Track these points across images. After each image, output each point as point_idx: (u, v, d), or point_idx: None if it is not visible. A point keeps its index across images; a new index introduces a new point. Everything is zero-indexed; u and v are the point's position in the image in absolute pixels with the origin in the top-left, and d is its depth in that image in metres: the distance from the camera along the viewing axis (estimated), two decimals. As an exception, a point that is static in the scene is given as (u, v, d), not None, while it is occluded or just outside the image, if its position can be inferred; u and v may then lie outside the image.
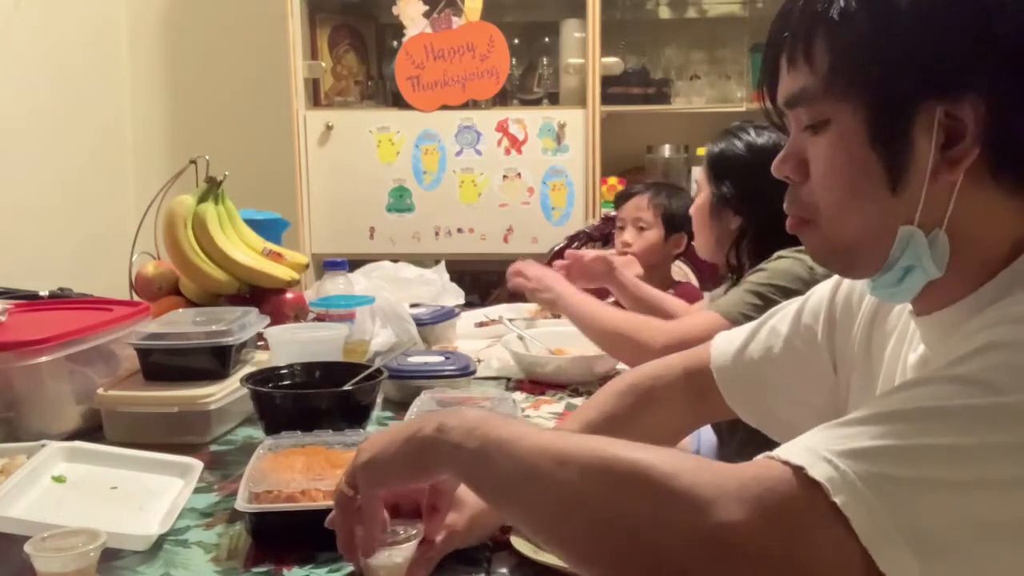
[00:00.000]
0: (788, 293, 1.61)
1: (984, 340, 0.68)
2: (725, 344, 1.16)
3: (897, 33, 0.75)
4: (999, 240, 0.78)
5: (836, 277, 1.05)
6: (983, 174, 0.76)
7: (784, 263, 1.68)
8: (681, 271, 2.65)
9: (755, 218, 1.77)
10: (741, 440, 1.72)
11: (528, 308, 2.47)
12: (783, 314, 1.13)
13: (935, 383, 0.68)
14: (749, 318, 1.59)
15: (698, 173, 1.89)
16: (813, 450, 0.66)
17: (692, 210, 1.88)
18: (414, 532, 0.96)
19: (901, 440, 0.64)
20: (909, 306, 0.87)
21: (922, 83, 0.75)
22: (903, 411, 0.66)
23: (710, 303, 2.07)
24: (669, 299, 2.08)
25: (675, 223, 2.48)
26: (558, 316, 2.36)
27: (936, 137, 0.75)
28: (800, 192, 0.84)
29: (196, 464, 1.27)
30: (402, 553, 0.95)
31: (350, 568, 1.03)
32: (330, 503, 1.06)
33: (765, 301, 1.61)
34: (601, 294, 2.14)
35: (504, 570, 1.05)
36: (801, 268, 1.65)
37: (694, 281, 2.53)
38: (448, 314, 2.18)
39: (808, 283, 1.61)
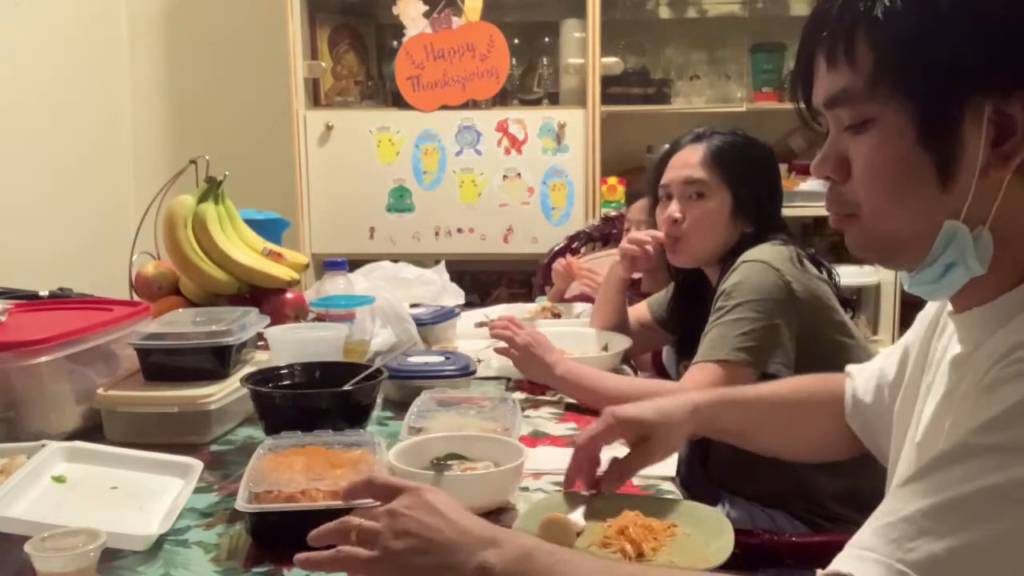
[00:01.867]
0: (763, 304, 1.59)
1: (1017, 396, 0.67)
2: (852, 383, 1.17)
3: (943, 31, 0.74)
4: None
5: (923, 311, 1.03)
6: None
7: (753, 276, 1.62)
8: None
9: (767, 222, 1.75)
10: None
11: (528, 308, 2.47)
12: (889, 352, 1.13)
13: (982, 457, 0.67)
14: (741, 350, 1.57)
15: (687, 174, 1.78)
16: (881, 561, 0.66)
17: (699, 215, 1.77)
18: None
19: (967, 538, 0.65)
20: (950, 305, 0.87)
21: (969, 80, 0.74)
22: (961, 499, 0.66)
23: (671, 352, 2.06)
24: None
25: None
26: (558, 316, 2.37)
27: (987, 133, 0.75)
28: (842, 191, 0.84)
29: (196, 464, 1.27)
30: None
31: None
32: (330, 503, 1.07)
33: (746, 324, 1.58)
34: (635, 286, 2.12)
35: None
36: (773, 275, 1.60)
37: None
38: (448, 314, 2.18)
39: (783, 287, 1.60)
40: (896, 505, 0.70)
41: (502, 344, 1.74)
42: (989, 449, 0.67)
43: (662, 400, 1.21)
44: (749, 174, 1.78)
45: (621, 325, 2.03)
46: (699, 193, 1.77)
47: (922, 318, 1.03)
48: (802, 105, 0.87)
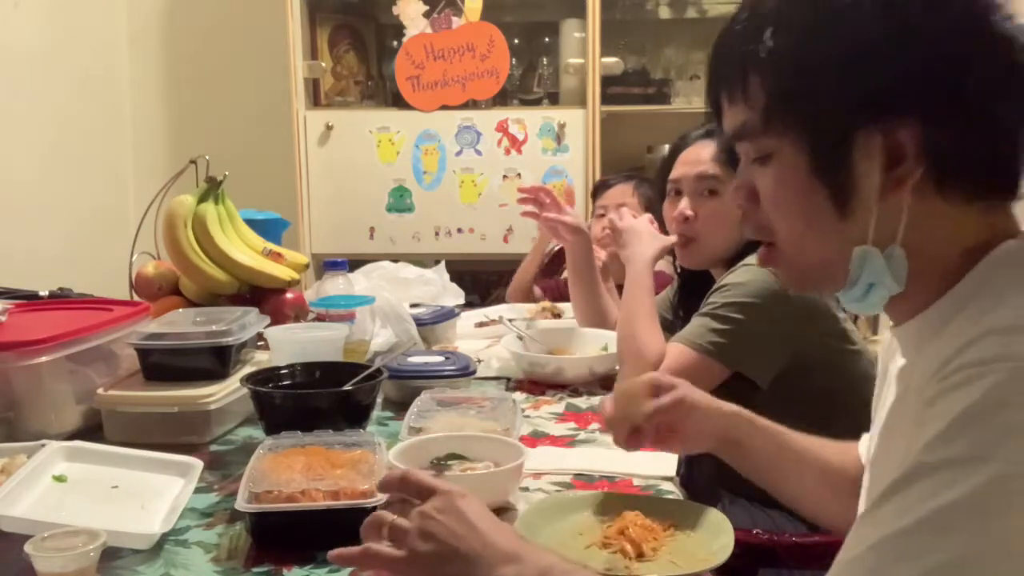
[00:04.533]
0: (753, 309, 1.59)
1: (957, 408, 0.68)
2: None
3: (824, 69, 0.77)
4: (954, 249, 0.80)
5: None
6: (929, 190, 0.78)
7: (752, 279, 1.62)
8: (663, 260, 2.65)
9: None
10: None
11: (528, 308, 2.47)
12: None
13: (935, 475, 0.67)
14: (716, 344, 1.59)
15: (700, 170, 1.77)
16: None
17: (712, 213, 1.74)
18: None
19: (937, 558, 0.65)
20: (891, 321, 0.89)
21: (854, 113, 0.77)
22: (924, 521, 0.66)
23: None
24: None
25: (656, 213, 2.47)
26: (558, 316, 2.37)
27: (879, 160, 0.77)
28: (757, 218, 0.86)
29: (196, 463, 1.27)
30: None
31: (350, 568, 1.04)
32: (330, 503, 1.07)
33: (729, 323, 1.59)
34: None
35: None
36: (771, 279, 1.57)
37: (667, 269, 2.50)
38: (448, 314, 2.17)
39: (780, 296, 1.57)
40: (861, 535, 0.70)
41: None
42: (940, 466, 0.67)
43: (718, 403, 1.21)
44: None
45: (599, 316, 2.02)
46: (712, 190, 1.75)
47: (884, 341, 1.04)
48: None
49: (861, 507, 0.94)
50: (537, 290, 2.96)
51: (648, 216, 1.93)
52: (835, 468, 1.14)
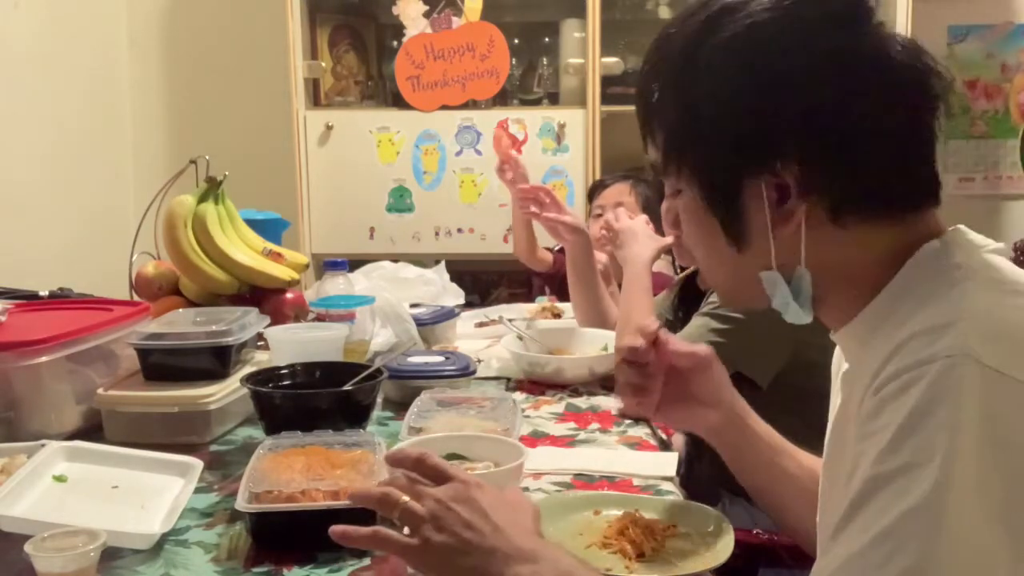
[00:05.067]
0: (755, 310, 1.60)
1: (899, 418, 0.70)
2: None
3: (699, 120, 0.82)
4: (868, 261, 0.82)
5: None
6: (822, 219, 0.81)
7: None
8: (663, 261, 2.65)
9: None
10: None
11: (528, 308, 2.48)
12: None
13: (890, 484, 0.69)
14: (715, 344, 1.58)
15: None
16: None
17: None
18: None
19: (902, 564, 0.66)
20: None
21: (734, 158, 0.81)
22: (886, 531, 0.68)
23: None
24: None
25: (653, 213, 2.47)
26: (558, 316, 2.37)
27: (769, 197, 0.81)
28: (684, 243, 0.92)
29: (196, 463, 1.27)
30: None
31: (350, 568, 1.04)
32: (330, 503, 1.07)
33: (729, 323, 1.60)
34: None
35: None
36: None
37: (668, 271, 2.50)
38: (448, 314, 2.18)
39: None
40: (831, 556, 0.71)
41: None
42: (891, 477, 0.69)
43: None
44: None
45: (600, 317, 2.02)
46: None
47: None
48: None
49: (818, 513, 0.96)
50: (549, 254, 2.96)
51: (644, 217, 1.94)
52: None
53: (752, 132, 0.80)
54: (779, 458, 1.17)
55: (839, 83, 0.78)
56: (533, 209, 2.03)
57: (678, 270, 1.96)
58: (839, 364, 0.97)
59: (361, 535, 0.87)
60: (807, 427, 1.63)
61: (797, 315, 0.86)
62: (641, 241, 1.83)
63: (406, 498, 0.87)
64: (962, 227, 0.83)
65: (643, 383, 1.15)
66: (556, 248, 2.96)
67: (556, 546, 0.88)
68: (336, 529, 0.88)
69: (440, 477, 0.90)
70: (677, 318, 1.94)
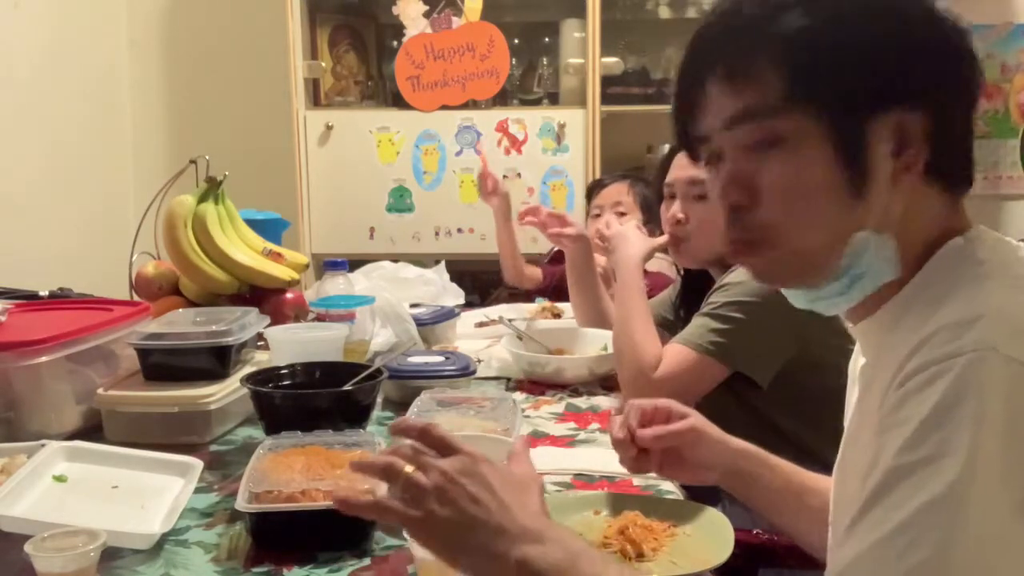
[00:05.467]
0: (754, 308, 1.59)
1: (924, 410, 0.70)
2: None
3: (851, 52, 0.78)
4: (923, 239, 0.82)
5: None
6: (921, 178, 0.81)
7: (750, 276, 1.63)
8: (664, 262, 2.66)
9: None
10: None
11: (528, 308, 2.47)
12: None
13: (911, 475, 0.69)
14: (716, 344, 1.59)
15: (691, 173, 1.75)
16: None
17: (702, 217, 1.74)
18: None
19: (921, 555, 0.66)
20: (848, 321, 0.90)
21: (876, 97, 0.79)
22: (907, 522, 0.68)
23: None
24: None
25: (651, 212, 2.47)
26: (558, 316, 2.37)
27: (890, 145, 0.79)
28: (749, 216, 0.84)
29: (196, 463, 1.27)
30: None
31: (350, 568, 1.04)
32: (330, 503, 1.07)
33: (729, 323, 1.59)
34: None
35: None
36: None
37: (669, 271, 2.50)
38: (448, 314, 2.18)
39: (781, 293, 1.59)
40: (850, 544, 0.71)
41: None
42: (915, 466, 0.69)
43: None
44: None
45: (600, 318, 2.03)
46: (701, 195, 1.75)
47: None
48: (684, 131, 0.88)
49: (831, 512, 0.95)
50: (538, 270, 2.96)
51: (635, 221, 1.94)
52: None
53: (901, 69, 0.78)
54: (798, 498, 1.16)
55: (963, 44, 0.80)
56: (531, 219, 2.06)
57: (680, 271, 1.96)
58: (856, 361, 0.96)
59: (362, 503, 0.85)
60: (809, 427, 1.64)
61: (855, 295, 0.83)
62: (632, 242, 1.83)
63: (410, 468, 0.83)
64: (983, 226, 0.84)
65: (637, 460, 1.17)
66: (545, 259, 2.97)
67: (563, 527, 0.86)
68: (338, 495, 0.85)
69: (446, 449, 0.85)
70: (678, 317, 1.94)
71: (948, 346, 0.71)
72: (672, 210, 1.78)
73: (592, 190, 2.86)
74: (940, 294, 0.77)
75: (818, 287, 0.85)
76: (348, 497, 0.85)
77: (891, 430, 0.72)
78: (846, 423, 0.96)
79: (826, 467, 1.59)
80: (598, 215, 2.64)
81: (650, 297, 2.14)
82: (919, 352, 0.73)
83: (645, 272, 2.54)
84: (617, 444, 1.18)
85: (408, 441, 0.88)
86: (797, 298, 0.89)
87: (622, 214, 2.60)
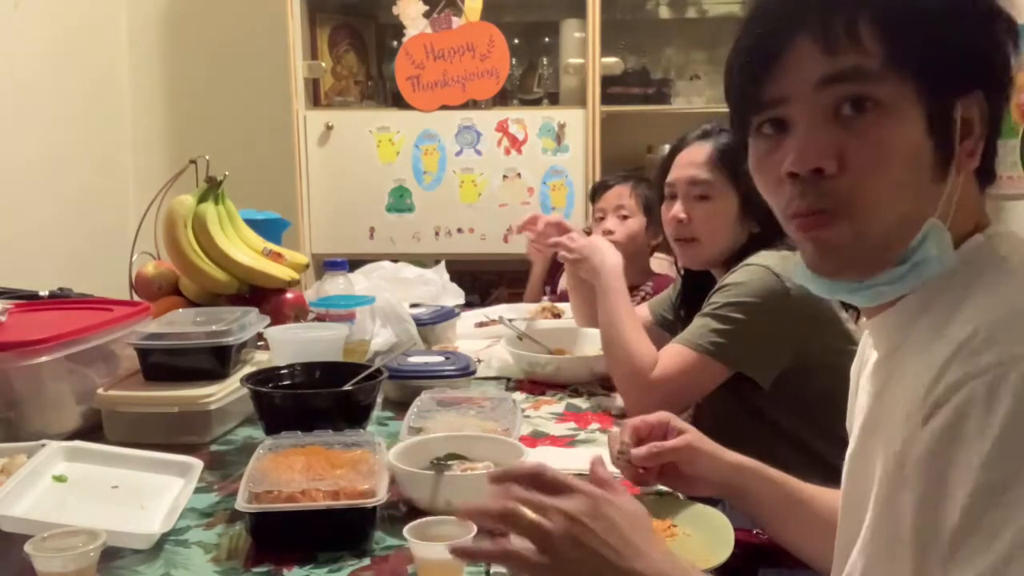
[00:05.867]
0: (754, 309, 1.58)
1: (993, 430, 0.67)
2: None
3: (952, 24, 0.76)
4: (956, 234, 0.80)
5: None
6: (972, 168, 0.80)
7: (753, 279, 1.61)
8: (665, 262, 2.66)
9: (775, 223, 1.73)
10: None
11: (528, 308, 2.47)
12: None
13: (1004, 496, 0.66)
14: (716, 344, 1.59)
15: (692, 174, 1.76)
16: None
17: (705, 217, 1.74)
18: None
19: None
20: (864, 317, 0.89)
21: (967, 75, 0.77)
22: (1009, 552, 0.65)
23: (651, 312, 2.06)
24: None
25: (653, 214, 2.47)
26: (558, 316, 2.37)
27: (958, 130, 0.78)
28: (831, 184, 0.79)
29: (196, 463, 1.27)
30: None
31: (350, 568, 1.04)
32: (330, 503, 1.07)
33: (730, 323, 1.59)
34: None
35: (504, 569, 1.05)
36: (772, 279, 1.59)
37: (671, 272, 2.50)
38: (448, 314, 2.18)
39: (782, 295, 1.58)
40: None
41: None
42: (1008, 482, 0.66)
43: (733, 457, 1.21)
44: None
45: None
46: (703, 195, 1.74)
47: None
48: (757, 92, 0.82)
49: (840, 501, 0.93)
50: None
51: (596, 235, 1.95)
52: None
53: (993, 50, 0.78)
54: (795, 511, 1.16)
55: (1015, 29, 0.80)
56: (530, 232, 2.07)
57: (680, 271, 1.95)
58: (860, 363, 0.95)
59: (489, 553, 0.83)
60: (811, 429, 1.64)
61: (907, 284, 0.80)
62: (606, 251, 1.83)
63: (532, 514, 0.80)
64: (999, 225, 0.83)
65: (637, 475, 1.21)
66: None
67: (688, 563, 0.85)
68: (456, 546, 0.84)
69: (564, 489, 0.83)
70: (679, 318, 1.94)
71: (1000, 353, 0.69)
72: (674, 210, 1.77)
73: (595, 192, 2.86)
74: (961, 291, 0.76)
75: (872, 274, 0.81)
76: (468, 548, 0.84)
77: (956, 443, 0.69)
78: (850, 425, 0.94)
79: (829, 468, 1.59)
80: (601, 218, 2.64)
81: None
82: (961, 357, 0.70)
83: (649, 273, 2.55)
84: (615, 463, 1.21)
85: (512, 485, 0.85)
86: (836, 290, 0.84)
87: (625, 217, 2.60)
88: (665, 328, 2.01)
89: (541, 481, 0.84)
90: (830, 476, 1.30)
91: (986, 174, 0.82)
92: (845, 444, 1.33)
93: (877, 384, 0.86)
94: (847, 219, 0.79)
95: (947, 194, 0.78)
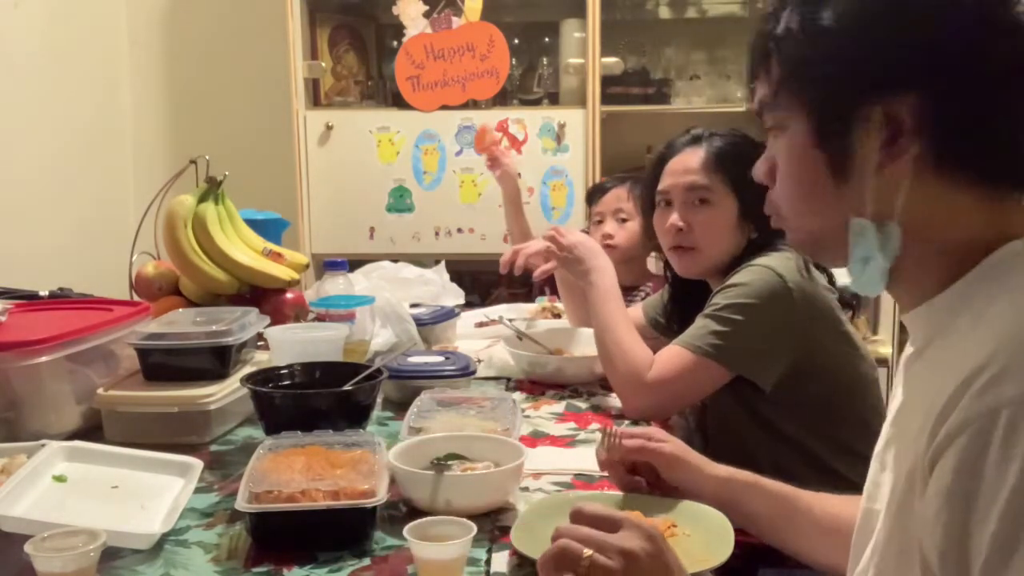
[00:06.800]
0: (754, 310, 1.57)
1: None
2: None
3: (828, 47, 0.81)
4: (958, 236, 0.81)
5: None
6: (927, 169, 0.80)
7: (756, 280, 1.60)
8: (661, 263, 2.65)
9: (770, 229, 1.73)
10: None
11: (528, 308, 2.47)
12: None
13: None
14: (715, 346, 1.58)
15: (690, 179, 1.74)
16: None
17: (706, 223, 1.72)
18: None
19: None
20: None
21: (856, 88, 0.80)
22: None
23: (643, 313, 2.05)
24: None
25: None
26: (558, 316, 2.37)
27: (879, 134, 0.80)
28: (770, 194, 0.92)
29: (196, 463, 1.27)
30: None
31: (350, 568, 1.04)
32: (330, 503, 1.07)
33: (730, 325, 1.58)
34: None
35: (504, 570, 1.05)
36: (775, 279, 1.58)
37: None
38: (448, 314, 2.18)
39: (784, 295, 1.58)
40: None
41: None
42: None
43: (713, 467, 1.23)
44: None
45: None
46: (703, 199, 1.72)
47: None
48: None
49: (864, 501, 0.93)
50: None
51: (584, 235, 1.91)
52: (844, 520, 1.09)
53: (876, 55, 0.79)
54: (789, 520, 1.17)
55: (989, 30, 0.78)
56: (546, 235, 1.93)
57: (668, 277, 1.93)
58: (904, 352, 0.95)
59: None
60: (813, 433, 1.63)
61: (872, 279, 0.83)
62: (599, 252, 1.81)
63: (589, 551, 0.85)
64: None
65: (624, 479, 1.25)
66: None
67: None
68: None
69: (611, 525, 0.89)
70: (671, 327, 1.92)
71: (1011, 384, 0.68)
72: (671, 219, 1.74)
73: (592, 195, 2.85)
74: (1000, 291, 0.77)
75: (843, 266, 0.88)
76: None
77: (1011, 457, 0.68)
78: (889, 416, 0.94)
79: (831, 473, 1.60)
80: (599, 221, 2.64)
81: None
82: (984, 375, 0.70)
83: (648, 275, 2.54)
84: (602, 466, 1.26)
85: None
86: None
87: (624, 220, 2.59)
88: (657, 330, 2.00)
89: (589, 520, 0.90)
90: (831, 481, 1.31)
91: (988, 173, 0.80)
92: (844, 448, 1.33)
93: (907, 380, 0.88)
94: (783, 224, 0.92)
95: (871, 196, 0.81)
